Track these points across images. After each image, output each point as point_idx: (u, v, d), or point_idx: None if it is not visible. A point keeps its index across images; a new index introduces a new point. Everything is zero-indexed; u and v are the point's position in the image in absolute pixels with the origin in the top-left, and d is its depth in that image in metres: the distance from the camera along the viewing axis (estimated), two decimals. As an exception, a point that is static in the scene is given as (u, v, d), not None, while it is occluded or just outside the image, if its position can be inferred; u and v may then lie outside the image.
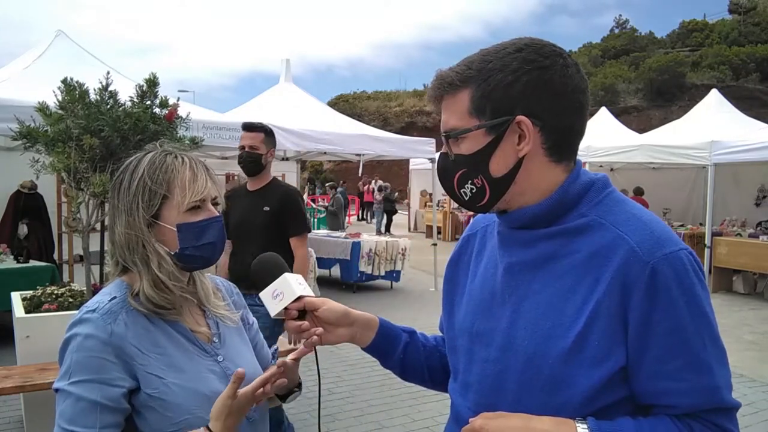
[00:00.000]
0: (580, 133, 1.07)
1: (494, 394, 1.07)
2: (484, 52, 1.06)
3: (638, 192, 11.92)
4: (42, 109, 3.72)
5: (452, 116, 1.07)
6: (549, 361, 1.00)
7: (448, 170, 1.10)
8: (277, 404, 1.45)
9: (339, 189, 18.48)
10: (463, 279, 1.23)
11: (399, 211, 20.15)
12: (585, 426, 0.97)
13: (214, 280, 1.41)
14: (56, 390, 1.14)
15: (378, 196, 18.50)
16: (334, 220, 13.06)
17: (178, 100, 4.17)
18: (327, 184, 16.43)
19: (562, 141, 1.06)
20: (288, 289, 1.19)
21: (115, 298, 1.20)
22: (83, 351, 1.12)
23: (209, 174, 1.25)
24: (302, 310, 1.19)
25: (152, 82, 4.00)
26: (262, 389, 1.20)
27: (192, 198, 1.20)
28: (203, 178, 1.23)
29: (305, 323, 1.18)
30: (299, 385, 1.41)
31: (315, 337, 1.18)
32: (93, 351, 1.12)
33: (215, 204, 1.26)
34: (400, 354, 1.31)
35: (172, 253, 1.21)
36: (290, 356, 1.30)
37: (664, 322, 0.96)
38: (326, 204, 18.96)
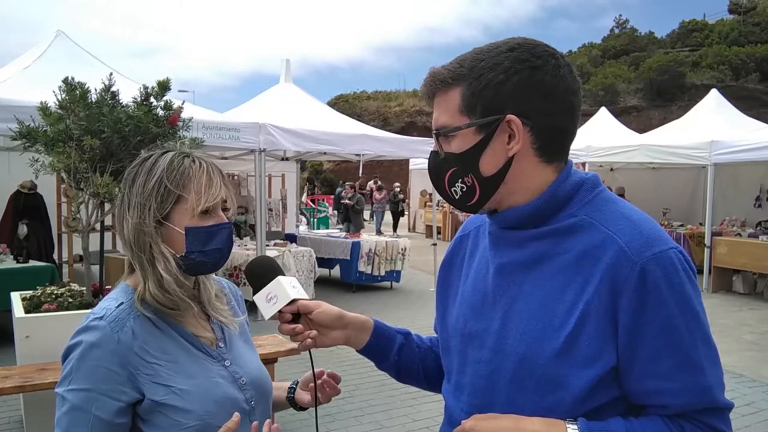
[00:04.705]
0: (571, 134, 1.08)
1: (487, 395, 1.08)
2: (476, 51, 1.06)
3: (619, 192, 11.86)
4: (43, 109, 3.72)
5: (443, 114, 1.07)
6: (540, 361, 1.00)
7: (438, 168, 1.10)
8: (283, 408, 1.47)
9: (339, 189, 18.50)
10: (456, 280, 1.23)
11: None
12: (575, 427, 0.97)
13: (219, 282, 1.40)
14: (56, 393, 1.15)
15: (377, 196, 18.49)
16: (357, 218, 13.26)
17: (183, 103, 4.18)
18: (346, 184, 16.44)
19: (553, 141, 1.06)
20: (282, 292, 1.18)
21: (122, 304, 1.19)
22: (87, 359, 1.12)
23: (224, 179, 1.25)
24: (296, 313, 1.19)
25: (164, 86, 4.00)
26: None
27: (205, 204, 1.20)
28: (218, 185, 1.23)
29: (299, 326, 1.18)
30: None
31: (309, 340, 1.18)
32: (97, 360, 1.11)
33: (225, 208, 1.26)
34: (395, 356, 1.31)
35: (178, 256, 1.20)
36: None
37: (655, 322, 0.96)
38: (329, 204, 19.03)
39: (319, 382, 1.33)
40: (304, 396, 1.41)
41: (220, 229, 1.23)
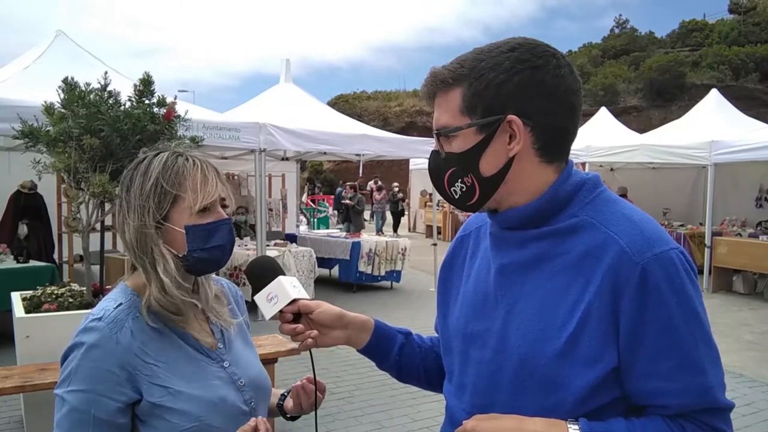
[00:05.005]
0: (572, 134, 1.07)
1: (489, 396, 1.08)
2: (477, 51, 1.06)
3: (621, 192, 11.83)
4: (47, 108, 3.73)
5: (444, 114, 1.07)
6: (542, 362, 1.00)
7: (439, 168, 1.10)
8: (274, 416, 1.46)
9: (338, 189, 18.50)
10: (458, 280, 1.23)
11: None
12: (577, 427, 0.97)
13: (219, 282, 1.40)
14: (56, 394, 1.14)
15: (377, 196, 18.48)
16: (358, 219, 13.36)
17: (175, 98, 4.17)
18: (347, 184, 16.53)
19: (554, 141, 1.06)
20: (282, 292, 1.18)
21: (121, 304, 1.19)
22: (86, 360, 1.12)
23: (219, 177, 1.25)
24: (297, 313, 1.19)
25: (147, 82, 4.00)
26: None
27: (202, 201, 1.20)
28: (213, 181, 1.23)
29: (300, 326, 1.18)
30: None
31: (310, 339, 1.18)
32: (96, 361, 1.12)
33: (224, 206, 1.26)
34: (396, 355, 1.31)
35: (180, 256, 1.20)
36: None
37: (656, 322, 0.96)
38: (329, 204, 19.04)
39: (298, 384, 1.33)
40: (288, 402, 1.40)
41: (220, 226, 1.23)
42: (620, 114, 24.21)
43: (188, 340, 1.23)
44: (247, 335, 1.40)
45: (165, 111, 3.96)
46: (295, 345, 1.21)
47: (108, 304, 1.20)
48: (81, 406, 1.10)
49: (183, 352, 1.21)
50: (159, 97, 4.01)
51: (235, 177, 10.27)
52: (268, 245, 8.14)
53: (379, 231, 17.12)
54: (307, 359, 1.26)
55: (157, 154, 1.23)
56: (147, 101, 3.95)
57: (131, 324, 1.16)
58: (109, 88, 3.86)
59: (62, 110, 3.74)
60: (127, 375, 1.13)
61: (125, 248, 1.24)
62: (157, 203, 1.18)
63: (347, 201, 14.18)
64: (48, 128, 3.70)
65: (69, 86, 3.76)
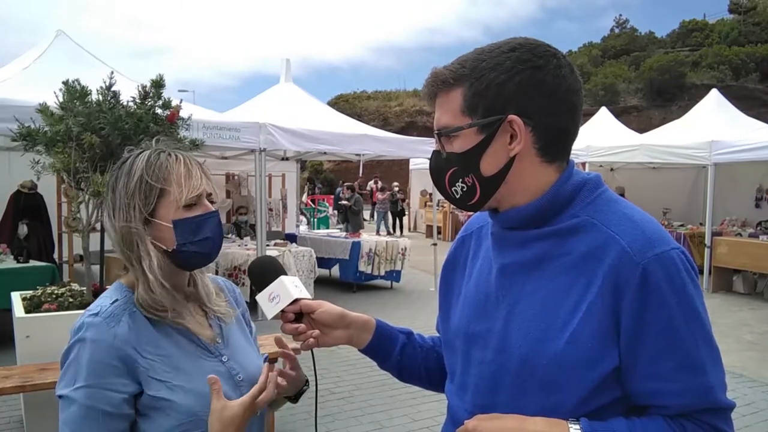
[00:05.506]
0: (573, 134, 1.08)
1: (491, 395, 1.08)
2: (478, 51, 1.07)
3: (618, 192, 11.84)
4: (44, 110, 3.73)
5: (445, 114, 1.07)
6: (543, 362, 1.00)
7: (440, 168, 1.11)
8: (281, 405, 1.45)
9: (338, 189, 18.52)
10: (459, 280, 1.23)
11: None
12: (578, 427, 0.97)
13: (216, 280, 1.41)
14: (59, 396, 1.14)
15: (379, 196, 18.48)
16: (356, 219, 13.39)
17: (181, 101, 4.18)
18: (345, 185, 16.60)
19: (555, 141, 1.06)
20: (284, 291, 1.19)
21: (117, 300, 1.20)
22: (87, 356, 1.12)
23: (203, 171, 1.26)
24: (299, 313, 1.20)
25: (158, 84, 4.01)
26: (261, 396, 1.19)
27: (188, 194, 1.21)
28: (198, 175, 1.23)
29: (302, 326, 1.19)
30: (306, 382, 1.40)
31: (311, 339, 1.19)
32: (97, 356, 1.12)
33: (212, 202, 1.27)
34: (398, 355, 1.31)
35: (170, 251, 1.20)
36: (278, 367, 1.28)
37: (657, 323, 0.96)
38: (329, 204, 19.06)
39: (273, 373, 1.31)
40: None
41: (208, 219, 1.24)
42: (620, 114, 24.19)
43: (185, 334, 1.24)
44: (246, 331, 1.41)
45: (169, 113, 3.96)
46: (296, 345, 1.21)
47: (104, 300, 1.21)
48: (88, 402, 1.11)
49: (181, 346, 1.22)
50: (165, 99, 4.01)
51: (235, 177, 10.28)
52: (268, 245, 8.14)
53: (389, 231, 17.11)
54: (307, 359, 1.26)
55: (140, 153, 1.25)
56: (152, 102, 3.95)
57: (128, 318, 1.17)
58: (113, 89, 3.87)
59: (60, 111, 3.74)
60: (128, 368, 1.14)
61: (113, 246, 1.25)
62: (143, 199, 1.19)
63: (345, 201, 14.18)
64: (45, 129, 3.70)
65: (69, 87, 3.76)
